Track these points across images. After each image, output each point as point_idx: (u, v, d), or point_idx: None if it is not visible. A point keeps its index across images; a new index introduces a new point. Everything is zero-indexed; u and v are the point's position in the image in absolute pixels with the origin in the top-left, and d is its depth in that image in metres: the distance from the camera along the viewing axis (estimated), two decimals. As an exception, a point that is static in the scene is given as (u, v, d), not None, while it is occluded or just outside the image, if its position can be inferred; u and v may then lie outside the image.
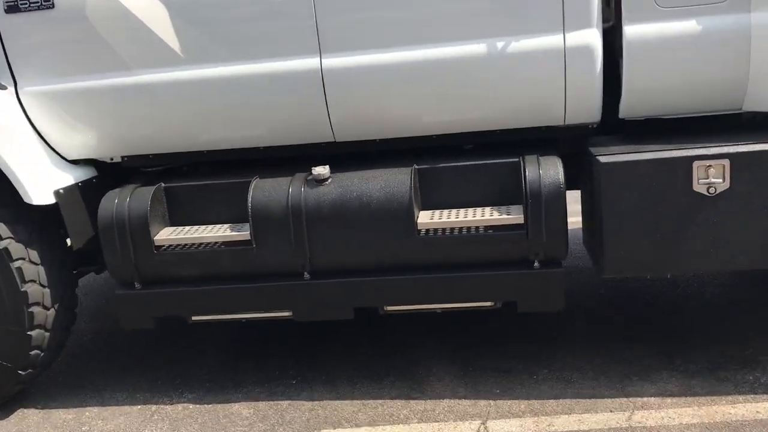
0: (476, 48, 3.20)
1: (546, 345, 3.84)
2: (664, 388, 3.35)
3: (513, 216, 3.19)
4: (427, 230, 3.28)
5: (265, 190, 3.38)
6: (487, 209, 3.29)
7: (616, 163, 3.07)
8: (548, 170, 3.17)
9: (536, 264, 3.24)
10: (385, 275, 3.35)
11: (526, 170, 3.18)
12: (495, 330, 4.06)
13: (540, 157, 3.25)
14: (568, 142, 3.48)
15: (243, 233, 3.39)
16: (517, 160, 3.28)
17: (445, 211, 3.33)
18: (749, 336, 3.72)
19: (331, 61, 3.29)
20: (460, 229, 3.28)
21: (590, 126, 3.38)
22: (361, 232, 3.29)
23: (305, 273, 3.40)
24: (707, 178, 3.02)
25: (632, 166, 3.07)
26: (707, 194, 3.04)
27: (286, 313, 3.50)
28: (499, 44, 3.17)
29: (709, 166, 3.01)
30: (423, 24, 3.22)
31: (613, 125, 3.39)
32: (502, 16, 3.17)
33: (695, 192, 3.05)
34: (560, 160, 3.22)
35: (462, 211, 3.31)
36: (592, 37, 3.13)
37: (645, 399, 3.27)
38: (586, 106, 3.26)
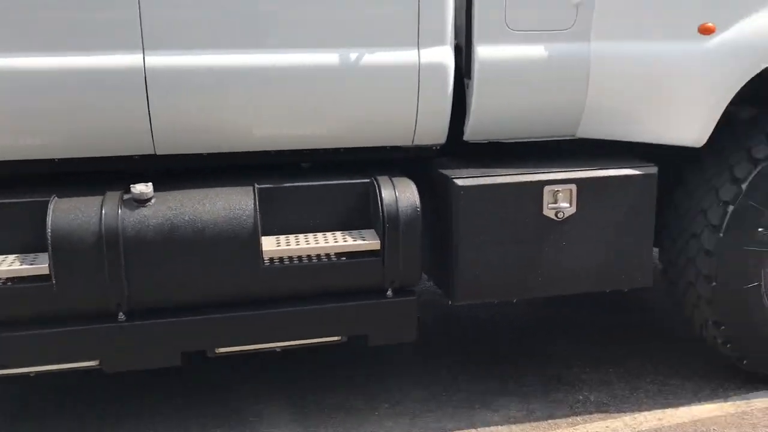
0: (326, 58, 2.90)
1: (381, 377, 3.62)
2: (507, 414, 3.31)
3: (369, 242, 2.93)
4: (273, 259, 2.88)
5: (70, 213, 2.73)
6: (338, 234, 2.98)
7: (473, 186, 2.97)
8: (404, 193, 2.97)
9: (389, 293, 3.01)
10: (224, 312, 2.88)
11: (382, 193, 2.95)
12: (328, 361, 3.75)
13: (393, 179, 3.03)
14: (409, 163, 3.31)
15: (38, 266, 2.70)
16: (368, 181, 3.03)
17: (292, 237, 2.96)
18: (567, 355, 3.85)
19: (157, 60, 2.77)
20: (309, 257, 2.93)
21: (434, 148, 3.25)
22: (194, 262, 2.80)
23: (120, 314, 2.81)
24: (556, 203, 3.04)
25: (488, 189, 2.99)
26: (555, 218, 3.06)
27: (92, 363, 2.86)
28: (353, 56, 2.91)
29: (558, 191, 3.03)
30: (265, 26, 2.85)
31: (450, 148, 3.29)
32: (355, 25, 2.91)
33: (545, 216, 3.05)
34: (413, 183, 3.03)
35: (311, 236, 2.97)
36: (446, 55, 3.01)
37: (493, 428, 3.19)
38: (436, 127, 3.12)
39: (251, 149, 3.05)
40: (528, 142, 3.34)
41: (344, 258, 2.93)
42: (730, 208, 3.17)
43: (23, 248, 2.79)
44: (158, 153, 2.95)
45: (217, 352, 2.97)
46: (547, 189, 3.02)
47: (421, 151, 3.24)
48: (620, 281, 3.21)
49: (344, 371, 3.66)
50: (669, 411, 3.31)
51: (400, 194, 2.96)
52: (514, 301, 3.22)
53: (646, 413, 3.30)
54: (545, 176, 3.03)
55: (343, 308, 2.98)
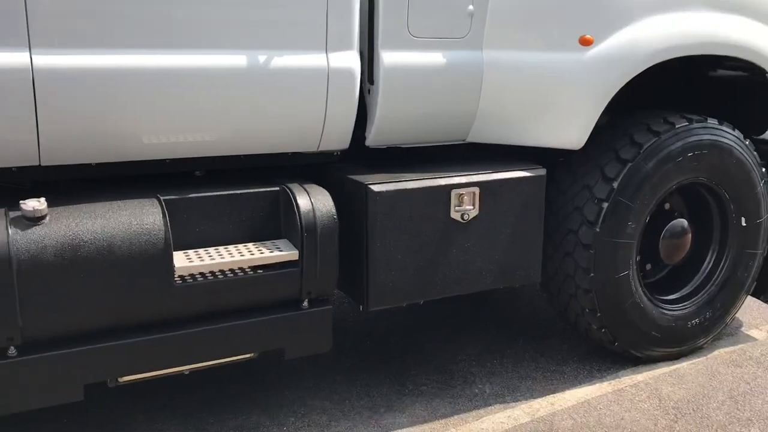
0: (232, 60, 2.76)
1: (279, 390, 3.51)
2: (413, 414, 3.35)
3: (286, 252, 2.83)
4: (184, 276, 2.68)
5: (-55, 235, 2.34)
6: (252, 246, 2.85)
7: (388, 192, 2.98)
8: (320, 200, 2.91)
9: (305, 304, 2.93)
10: (132, 337, 2.63)
11: (298, 201, 2.86)
12: (218, 378, 3.55)
13: (306, 187, 2.95)
14: (307, 169, 3.24)
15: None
16: (278, 189, 2.92)
17: (202, 251, 2.78)
18: (452, 350, 3.98)
19: (46, 59, 2.46)
20: (223, 272, 2.76)
21: (335, 153, 3.21)
22: (98, 285, 2.52)
23: (11, 348, 2.46)
24: (461, 205, 3.14)
25: (402, 194, 3.01)
26: (461, 221, 3.15)
27: (-25, 406, 2.48)
28: (261, 58, 2.79)
29: (462, 194, 3.13)
30: (164, 25, 2.65)
31: (349, 154, 3.27)
32: (263, 26, 2.80)
33: (452, 219, 3.14)
34: (326, 190, 2.98)
35: (223, 250, 2.80)
36: (353, 60, 2.98)
37: (406, 430, 3.22)
38: (342, 132, 3.09)
39: (146, 158, 2.81)
40: (421, 147, 3.41)
41: (261, 271, 2.80)
42: (605, 204, 3.46)
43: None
44: (43, 164, 2.62)
45: (120, 381, 2.71)
46: (454, 192, 3.11)
47: (323, 157, 3.19)
48: (515, 278, 3.39)
49: (239, 387, 3.49)
50: (558, 395, 3.55)
51: (316, 202, 2.89)
52: (422, 302, 3.25)
53: (539, 399, 3.51)
54: (452, 180, 3.12)
55: (260, 323, 2.85)
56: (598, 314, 3.62)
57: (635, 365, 3.83)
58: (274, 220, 2.94)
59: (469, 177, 3.16)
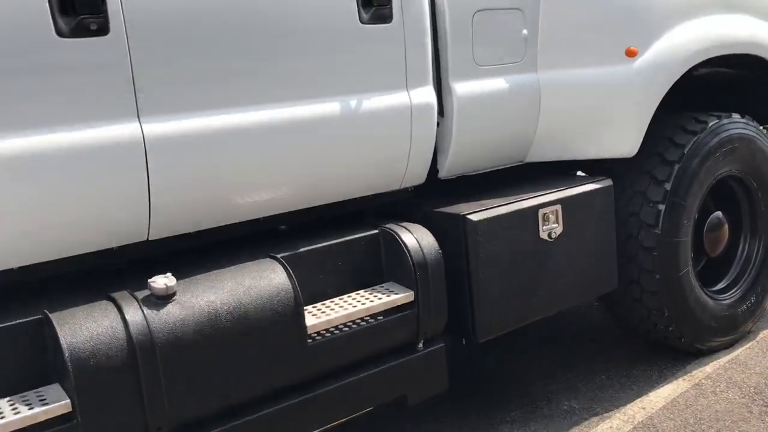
0: (327, 108, 2.71)
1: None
2: None
3: (402, 295, 2.77)
4: (315, 334, 2.58)
5: (81, 328, 2.16)
6: (365, 294, 2.77)
7: (485, 219, 2.97)
8: (424, 238, 2.87)
9: (420, 345, 2.87)
10: (270, 406, 2.49)
11: (404, 240, 2.81)
12: None
13: (405, 225, 2.91)
14: (385, 209, 3.20)
15: (55, 405, 2.08)
16: (377, 231, 2.87)
17: (320, 306, 2.68)
18: (520, 371, 3.97)
19: (156, 126, 2.34)
20: (346, 324, 2.67)
21: (410, 190, 3.19)
22: (238, 355, 2.39)
23: (159, 438, 2.29)
24: (548, 224, 3.17)
25: (496, 221, 3.01)
26: (549, 239, 3.18)
27: None
28: (352, 103, 2.75)
29: (548, 212, 3.17)
30: (260, 81, 2.57)
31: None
32: (349, 72, 2.76)
33: (541, 239, 3.16)
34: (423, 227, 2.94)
35: (339, 301, 2.71)
36: (430, 95, 2.99)
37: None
38: (421, 167, 3.08)
39: (246, 218, 2.70)
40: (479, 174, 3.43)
41: (381, 317, 2.72)
42: (661, 206, 3.57)
43: (15, 385, 2.13)
44: (151, 238, 2.47)
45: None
46: (541, 212, 3.13)
47: (400, 194, 3.15)
48: (597, 289, 3.44)
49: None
50: (644, 399, 3.60)
51: (421, 239, 2.85)
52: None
53: (629, 405, 3.54)
54: (538, 200, 3.14)
55: (385, 371, 2.76)
56: (666, 314, 3.71)
57: (696, 358, 3.93)
58: (376, 264, 2.87)
59: (551, 195, 3.20)
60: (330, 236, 2.79)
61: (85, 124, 2.18)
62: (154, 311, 2.25)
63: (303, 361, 2.52)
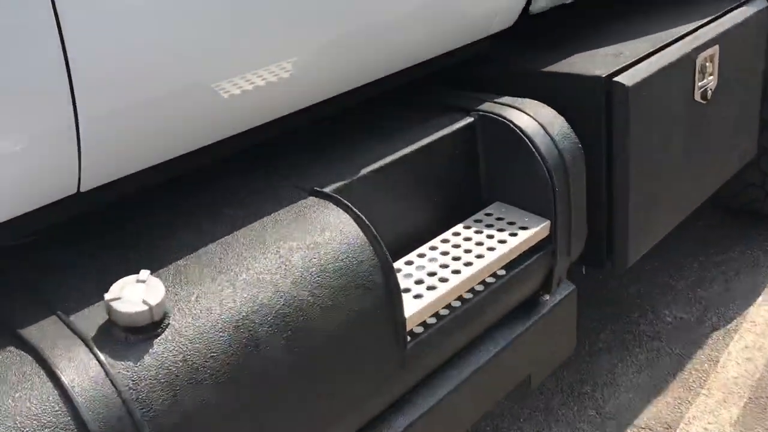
0: None
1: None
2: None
3: (535, 230, 1.62)
4: (417, 327, 1.43)
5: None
6: (468, 232, 1.60)
7: (639, 83, 1.79)
8: (554, 122, 1.68)
9: (549, 294, 1.78)
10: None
11: (525, 130, 1.62)
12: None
13: (516, 104, 1.70)
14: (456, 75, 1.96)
15: None
16: (472, 120, 1.66)
17: (408, 267, 1.51)
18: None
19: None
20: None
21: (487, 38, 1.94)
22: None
23: None
24: (704, 77, 2.03)
25: (649, 82, 1.83)
26: (702, 102, 2.06)
27: None
28: None
29: (705, 59, 2.01)
30: None
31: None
32: None
33: (695, 101, 2.03)
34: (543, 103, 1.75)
35: (431, 252, 1.54)
36: None
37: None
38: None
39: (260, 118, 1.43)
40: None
41: (502, 271, 1.59)
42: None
43: None
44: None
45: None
46: (699, 59, 1.97)
47: (477, 48, 1.91)
48: (738, 161, 2.39)
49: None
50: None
51: (551, 126, 1.66)
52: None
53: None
54: (695, 41, 1.97)
55: (507, 349, 1.66)
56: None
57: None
58: (470, 174, 1.69)
59: (707, 30, 2.02)
60: (388, 141, 1.57)
61: None
62: (129, 384, 1.01)
63: (398, 377, 1.39)
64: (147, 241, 1.25)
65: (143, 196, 1.35)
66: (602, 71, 1.77)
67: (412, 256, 1.53)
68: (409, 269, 1.49)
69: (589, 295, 2.66)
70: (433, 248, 1.56)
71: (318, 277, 1.22)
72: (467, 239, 1.58)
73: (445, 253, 1.54)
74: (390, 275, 1.31)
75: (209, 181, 1.44)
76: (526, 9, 1.95)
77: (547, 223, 1.63)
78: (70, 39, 1.03)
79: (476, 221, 1.64)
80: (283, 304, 1.18)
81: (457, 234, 1.60)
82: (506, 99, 1.73)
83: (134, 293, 1.06)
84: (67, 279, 1.15)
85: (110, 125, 1.14)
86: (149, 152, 1.24)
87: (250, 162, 1.51)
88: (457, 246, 1.56)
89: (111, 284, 1.08)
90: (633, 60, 1.83)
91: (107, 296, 1.05)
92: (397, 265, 1.49)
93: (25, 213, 1.15)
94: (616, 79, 1.74)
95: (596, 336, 2.58)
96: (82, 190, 1.19)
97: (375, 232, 1.31)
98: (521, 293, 1.67)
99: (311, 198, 1.36)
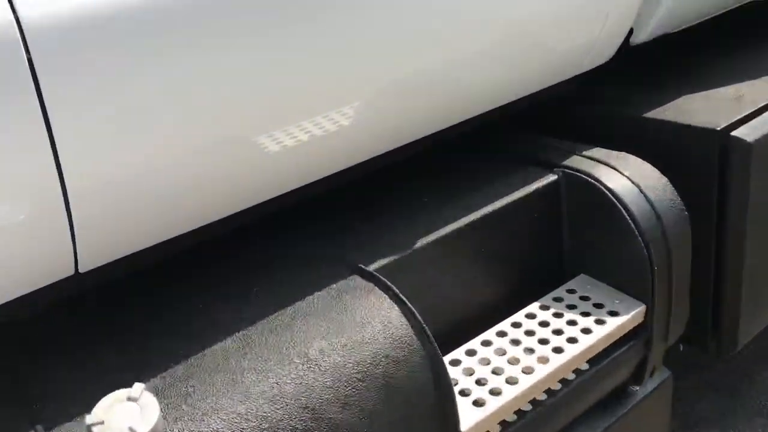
0: None
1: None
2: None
3: (629, 316, 1.34)
4: (470, 432, 1.18)
5: None
6: (545, 315, 1.34)
7: (761, 138, 1.48)
8: (656, 184, 1.40)
9: (643, 383, 1.49)
10: None
11: (614, 190, 1.35)
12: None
13: (609, 160, 1.43)
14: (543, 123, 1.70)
15: None
16: (556, 177, 1.40)
17: (469, 359, 1.26)
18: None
19: None
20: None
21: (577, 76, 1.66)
22: None
23: None
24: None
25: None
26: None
27: None
28: None
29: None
30: None
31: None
32: None
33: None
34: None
35: (496, 342, 1.29)
36: None
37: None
38: (622, 25, 1.54)
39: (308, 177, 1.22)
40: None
41: (587, 366, 1.32)
42: None
43: None
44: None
45: None
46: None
47: (565, 87, 1.63)
48: None
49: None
50: None
51: (648, 188, 1.38)
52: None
53: None
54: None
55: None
56: None
57: None
58: (551, 243, 1.43)
59: None
60: (451, 203, 1.33)
61: None
62: None
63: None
64: (147, 338, 1.06)
65: (148, 273, 1.17)
66: (717, 121, 1.47)
67: (474, 343, 1.29)
68: (470, 362, 1.25)
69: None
70: (501, 334, 1.31)
71: (350, 388, 1.00)
72: (543, 324, 1.32)
73: (515, 342, 1.29)
74: (442, 379, 1.07)
75: (228, 253, 1.24)
76: (626, 40, 1.67)
77: (642, 308, 1.36)
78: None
79: (556, 300, 1.38)
80: (309, 418, 0.97)
81: (531, 316, 1.35)
82: (597, 152, 1.46)
83: (121, 416, 0.86)
84: (57, 385, 0.98)
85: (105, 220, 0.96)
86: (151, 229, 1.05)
87: (283, 226, 1.30)
88: (530, 333, 1.30)
89: (102, 395, 0.89)
90: (757, 108, 1.52)
91: (88, 419, 0.86)
92: (455, 355, 1.25)
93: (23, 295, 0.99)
94: (734, 133, 1.44)
95: (691, 408, 2.26)
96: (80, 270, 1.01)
97: (424, 326, 1.08)
98: (606, 388, 1.40)
99: (353, 278, 1.14)
